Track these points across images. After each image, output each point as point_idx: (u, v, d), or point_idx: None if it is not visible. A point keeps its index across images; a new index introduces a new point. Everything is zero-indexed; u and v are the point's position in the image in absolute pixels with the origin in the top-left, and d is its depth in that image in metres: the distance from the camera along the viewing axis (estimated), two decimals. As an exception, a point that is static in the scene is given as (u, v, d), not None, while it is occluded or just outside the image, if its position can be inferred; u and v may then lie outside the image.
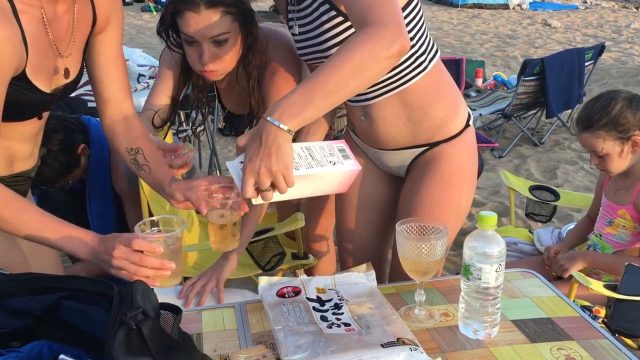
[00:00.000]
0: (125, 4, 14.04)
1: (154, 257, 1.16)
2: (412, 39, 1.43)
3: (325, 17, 1.40)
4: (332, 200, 1.86)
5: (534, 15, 12.53)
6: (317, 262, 2.09)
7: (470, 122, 1.59)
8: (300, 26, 1.48)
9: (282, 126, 1.10)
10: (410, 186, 1.61)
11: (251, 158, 1.11)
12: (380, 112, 1.53)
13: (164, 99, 1.80)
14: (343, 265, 1.88)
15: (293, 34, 1.54)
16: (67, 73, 1.32)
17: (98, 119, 2.07)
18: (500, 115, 4.84)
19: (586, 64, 4.88)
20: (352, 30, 1.35)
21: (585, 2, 16.18)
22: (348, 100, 1.58)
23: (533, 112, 4.98)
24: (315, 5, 1.42)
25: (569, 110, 5.13)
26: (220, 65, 1.62)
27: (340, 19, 1.39)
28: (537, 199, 2.38)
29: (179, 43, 1.66)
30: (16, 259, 1.35)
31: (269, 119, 1.10)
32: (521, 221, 3.26)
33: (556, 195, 2.39)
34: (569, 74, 4.70)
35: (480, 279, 1.15)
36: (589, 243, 2.09)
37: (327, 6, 1.39)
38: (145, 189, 1.97)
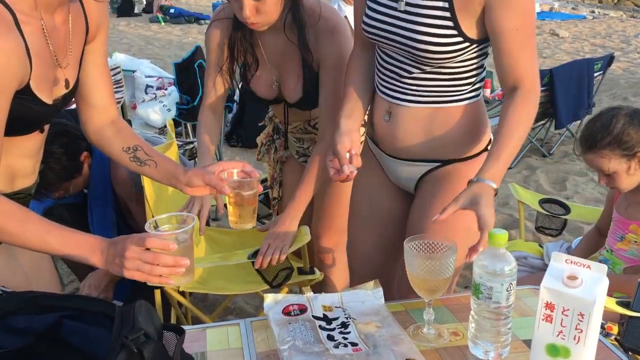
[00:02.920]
0: (134, 15, 14.14)
1: (167, 255, 1.14)
2: (478, 68, 1.49)
3: (438, 22, 1.38)
4: (345, 215, 1.85)
5: (541, 25, 12.51)
6: (322, 276, 2.06)
7: (490, 147, 1.56)
8: (409, 4, 1.42)
9: (493, 185, 1.36)
10: (421, 202, 1.59)
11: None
12: (405, 117, 1.52)
13: (218, 80, 1.90)
14: (352, 278, 1.86)
15: (383, 4, 1.46)
16: (67, 83, 1.31)
17: None
18: (508, 126, 4.80)
19: (595, 74, 4.84)
20: (454, 47, 1.39)
21: (593, 12, 16.14)
22: (379, 90, 1.57)
23: (542, 122, 4.94)
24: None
25: (578, 121, 5.09)
26: (261, 17, 1.65)
27: (453, 32, 1.38)
28: (547, 213, 2.35)
29: None
30: (17, 277, 1.34)
31: (490, 183, 1.35)
32: (531, 234, 3.22)
33: (566, 209, 2.35)
34: (578, 85, 4.67)
35: (490, 298, 1.12)
36: (600, 258, 2.06)
37: (447, 14, 1.37)
38: (147, 189, 1.95)
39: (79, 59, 1.36)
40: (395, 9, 1.43)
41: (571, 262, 1.01)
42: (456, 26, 1.37)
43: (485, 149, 1.56)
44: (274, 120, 2.10)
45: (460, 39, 1.38)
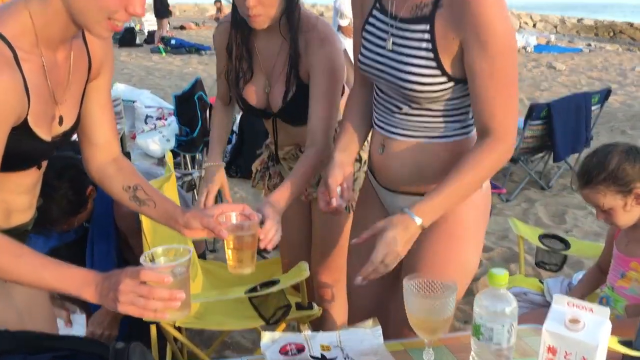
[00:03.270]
0: (135, 45, 14.30)
1: (162, 288, 1.12)
2: (469, 106, 1.47)
3: (422, 62, 1.39)
4: (345, 253, 1.84)
5: (538, 57, 12.66)
6: (321, 312, 2.04)
7: (484, 185, 1.56)
8: (395, 44, 1.44)
9: (417, 221, 1.38)
10: (417, 238, 1.58)
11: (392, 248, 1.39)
12: (397, 150, 1.53)
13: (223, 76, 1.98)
14: (350, 313, 1.83)
15: (373, 42, 1.49)
16: (61, 120, 1.31)
17: None
18: (507, 159, 4.82)
19: (593, 107, 4.88)
20: (439, 87, 1.39)
21: (590, 45, 16.36)
22: (375, 124, 1.59)
23: (540, 155, 4.95)
24: (417, 37, 1.40)
25: (577, 154, 5.11)
26: (264, 9, 1.68)
27: (436, 72, 1.38)
28: (547, 248, 2.34)
29: None
30: (10, 315, 1.32)
31: (411, 215, 1.38)
32: (530, 268, 3.20)
33: (566, 244, 2.34)
34: (575, 118, 4.70)
35: (491, 339, 1.11)
36: (601, 295, 2.04)
37: (430, 54, 1.38)
38: (144, 223, 1.94)
39: (80, 96, 1.36)
40: (384, 47, 1.47)
41: (573, 305, 1.00)
42: (439, 66, 1.38)
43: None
44: (270, 147, 2.10)
45: (444, 78, 1.39)
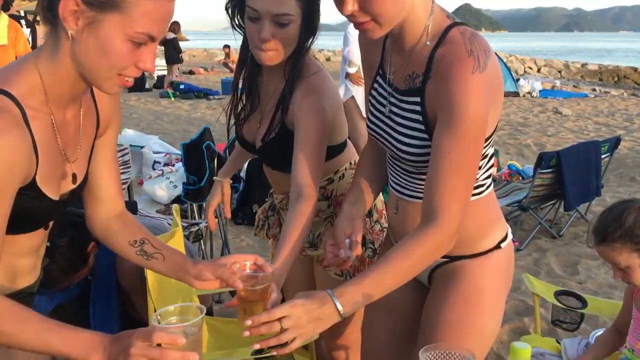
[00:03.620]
0: (144, 90, 14.48)
1: (175, 351, 1.08)
2: (480, 167, 1.43)
3: (415, 134, 1.38)
4: (358, 328, 1.79)
5: (544, 102, 12.71)
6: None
7: (504, 245, 1.52)
8: (392, 112, 1.45)
9: (339, 307, 1.27)
10: (432, 302, 1.53)
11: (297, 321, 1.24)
12: (410, 211, 1.50)
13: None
14: None
15: (376, 107, 1.52)
16: (74, 178, 1.29)
17: None
18: (517, 207, 4.77)
19: (602, 156, 4.85)
20: (428, 146, 1.36)
21: (594, 90, 16.46)
22: (389, 184, 1.57)
23: (551, 203, 4.90)
24: (411, 109, 1.39)
25: (587, 203, 5.06)
26: (277, 46, 1.67)
27: (426, 136, 1.36)
28: (563, 306, 2.27)
29: (240, 25, 1.77)
30: None
31: (334, 298, 1.26)
32: (544, 322, 3.11)
33: (583, 302, 2.28)
34: (585, 167, 4.67)
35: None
36: (621, 357, 1.96)
37: (422, 126, 1.37)
38: (149, 280, 1.90)
39: (89, 153, 1.34)
40: (383, 113, 1.48)
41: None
42: (430, 134, 1.36)
43: (498, 246, 1.51)
44: (273, 196, 2.07)
45: (429, 142, 1.37)
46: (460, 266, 1.49)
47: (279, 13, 1.61)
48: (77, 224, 2.04)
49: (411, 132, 1.39)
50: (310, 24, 1.70)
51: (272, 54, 1.69)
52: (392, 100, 1.45)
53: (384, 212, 1.97)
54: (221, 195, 2.13)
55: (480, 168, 1.44)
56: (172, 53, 14.29)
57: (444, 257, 1.49)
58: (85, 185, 1.37)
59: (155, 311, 1.89)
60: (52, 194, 1.22)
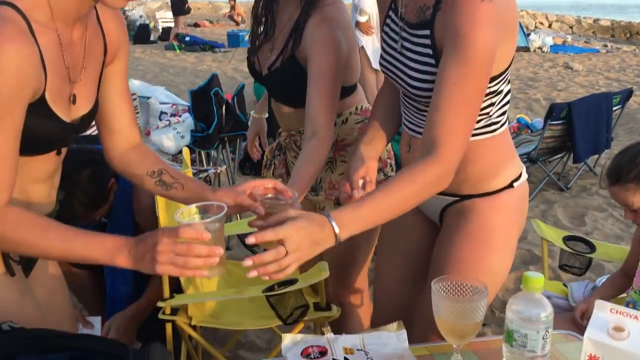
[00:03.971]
0: (149, 42, 14.34)
1: (201, 245, 1.09)
2: (491, 105, 1.40)
3: (426, 68, 1.35)
4: (365, 274, 1.80)
5: (555, 58, 12.51)
6: (339, 313, 1.99)
7: (516, 184, 1.50)
8: (404, 47, 1.42)
9: (335, 228, 1.20)
10: (442, 240, 1.54)
11: (298, 244, 1.17)
12: None
13: None
14: (374, 311, 1.79)
15: (388, 43, 1.48)
16: (74, 99, 1.27)
17: None
18: (526, 159, 4.75)
19: (614, 108, 4.79)
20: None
21: (606, 46, 16.17)
22: (403, 123, 1.55)
23: (560, 155, 4.87)
24: (421, 42, 1.36)
25: (596, 155, 5.03)
26: None
27: (435, 69, 1.33)
28: (572, 251, 2.27)
29: None
30: (28, 311, 1.28)
31: (331, 221, 1.20)
32: (551, 271, 3.13)
33: (592, 247, 2.27)
34: (596, 119, 4.62)
35: (525, 346, 1.06)
36: (627, 299, 1.97)
37: (432, 60, 1.34)
38: (161, 219, 1.91)
39: (97, 80, 1.33)
40: (395, 49, 1.45)
41: (617, 312, 0.94)
42: (437, 63, 1.33)
43: (510, 185, 1.49)
44: (281, 137, 2.05)
45: None
46: (471, 205, 1.48)
47: None
48: (96, 160, 2.04)
49: (422, 66, 1.36)
50: None
51: None
52: (404, 34, 1.42)
53: (389, 160, 1.95)
54: (255, 131, 2.36)
55: (493, 105, 1.42)
56: (178, 4, 14.09)
57: (454, 195, 1.49)
58: (97, 116, 1.36)
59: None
60: (63, 114, 1.21)
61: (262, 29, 1.86)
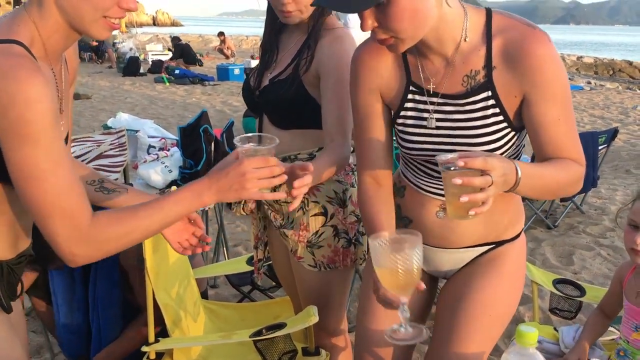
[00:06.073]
0: (139, 74, 14.38)
1: (276, 167, 1.25)
2: (519, 153, 1.48)
3: (494, 128, 1.37)
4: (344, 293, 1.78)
5: (540, 94, 12.69)
6: (329, 358, 1.96)
7: (522, 235, 1.61)
8: (440, 120, 1.40)
9: (519, 172, 1.20)
10: (462, 284, 1.54)
11: (499, 177, 1.16)
12: None
13: None
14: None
15: (415, 125, 1.44)
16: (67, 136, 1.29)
17: None
18: (513, 197, 4.77)
19: (600, 147, 4.85)
20: (507, 139, 1.38)
21: (590, 83, 16.47)
22: (428, 192, 1.50)
23: (546, 194, 4.90)
24: (481, 107, 1.36)
25: (583, 194, 5.06)
26: (297, 6, 1.72)
27: (508, 129, 1.37)
28: (561, 294, 2.26)
29: None
30: (16, 354, 1.26)
31: (516, 165, 1.21)
32: (540, 311, 3.11)
33: (581, 291, 2.27)
34: (582, 158, 4.66)
35: (519, 402, 1.04)
36: (617, 347, 1.96)
37: (500, 117, 1.36)
38: (150, 273, 1.88)
39: (70, 106, 1.35)
40: (425, 126, 1.43)
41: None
42: (509, 124, 1.37)
43: (522, 230, 1.60)
44: None
45: (508, 129, 1.38)
46: (503, 250, 1.54)
47: None
48: None
49: (487, 128, 1.36)
50: None
51: (294, 13, 1.74)
52: (443, 108, 1.40)
53: None
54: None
55: (520, 152, 1.48)
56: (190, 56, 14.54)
57: (491, 243, 1.54)
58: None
59: (153, 293, 1.88)
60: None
61: (267, 56, 1.89)
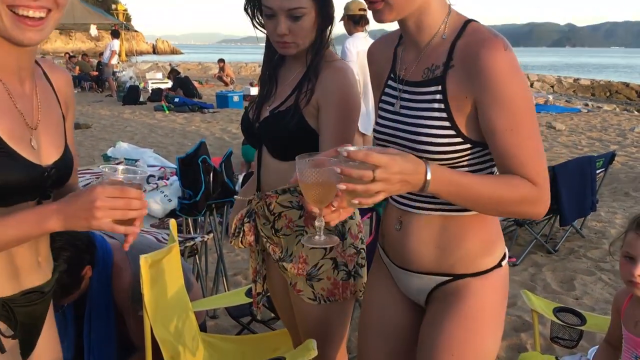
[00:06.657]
0: (139, 103, 14.47)
1: (136, 200, 1.15)
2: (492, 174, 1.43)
3: (435, 123, 1.37)
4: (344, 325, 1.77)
5: (538, 117, 12.66)
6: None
7: (504, 263, 1.51)
8: (403, 107, 1.46)
9: (428, 175, 1.22)
10: (431, 322, 1.51)
11: (390, 175, 1.18)
12: (416, 225, 1.47)
13: None
14: None
15: (384, 109, 1.52)
16: (37, 144, 1.26)
17: (101, 235, 2.00)
18: (512, 222, 4.77)
19: (597, 172, 4.86)
20: (455, 147, 1.36)
21: (587, 105, 16.56)
22: (391, 198, 1.53)
23: (546, 218, 4.90)
24: (429, 99, 1.39)
25: (582, 218, 5.06)
26: (294, 38, 1.75)
27: (451, 132, 1.36)
28: (562, 323, 2.25)
29: (261, 23, 1.85)
30: None
31: (428, 167, 1.23)
32: (542, 338, 3.09)
33: (582, 319, 2.26)
34: (580, 182, 4.67)
35: None
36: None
37: (443, 114, 1.36)
38: (147, 307, 1.87)
39: (62, 133, 1.35)
40: (393, 112, 1.48)
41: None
42: (454, 126, 1.36)
43: (499, 265, 1.49)
44: (251, 202, 1.96)
45: (459, 139, 1.36)
46: (464, 285, 1.47)
47: (291, 7, 1.71)
48: (75, 245, 2.02)
49: (430, 122, 1.37)
50: (325, 13, 1.77)
51: (291, 45, 1.76)
52: (404, 95, 1.46)
53: (360, 234, 1.92)
54: (240, 210, 2.06)
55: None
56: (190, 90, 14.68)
57: (447, 274, 1.47)
58: (72, 164, 1.37)
59: (151, 329, 1.87)
60: (28, 155, 1.21)
61: (266, 90, 1.91)
